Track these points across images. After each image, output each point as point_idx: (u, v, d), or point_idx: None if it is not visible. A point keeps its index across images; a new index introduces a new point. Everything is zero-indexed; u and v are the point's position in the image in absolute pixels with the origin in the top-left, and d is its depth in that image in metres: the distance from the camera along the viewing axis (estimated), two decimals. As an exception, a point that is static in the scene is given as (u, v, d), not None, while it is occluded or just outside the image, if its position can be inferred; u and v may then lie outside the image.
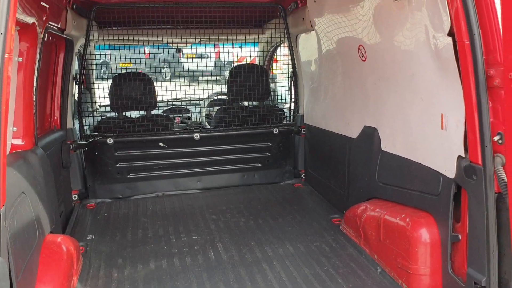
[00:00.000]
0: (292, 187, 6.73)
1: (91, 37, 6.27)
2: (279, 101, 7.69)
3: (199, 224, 5.35)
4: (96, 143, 6.16)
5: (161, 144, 6.31)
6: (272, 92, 8.01)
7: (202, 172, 6.60)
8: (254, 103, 7.04)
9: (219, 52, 9.21)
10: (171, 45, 7.53)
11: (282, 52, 7.40)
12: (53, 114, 5.81)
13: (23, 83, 3.99)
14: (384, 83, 4.50)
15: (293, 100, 6.98)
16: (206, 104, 7.92)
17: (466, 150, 3.30)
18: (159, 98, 6.71)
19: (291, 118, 7.05)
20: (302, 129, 6.76)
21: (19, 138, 4.04)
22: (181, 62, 9.37)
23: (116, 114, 6.45)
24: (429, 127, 3.81)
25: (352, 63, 5.07)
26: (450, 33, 3.19)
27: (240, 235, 5.00)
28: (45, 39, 4.99)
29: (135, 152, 6.32)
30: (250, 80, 6.59)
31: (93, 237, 5.04)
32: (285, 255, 4.48)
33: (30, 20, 3.84)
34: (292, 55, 6.68)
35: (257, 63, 8.21)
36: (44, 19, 4.19)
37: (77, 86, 6.37)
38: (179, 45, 7.54)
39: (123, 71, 6.53)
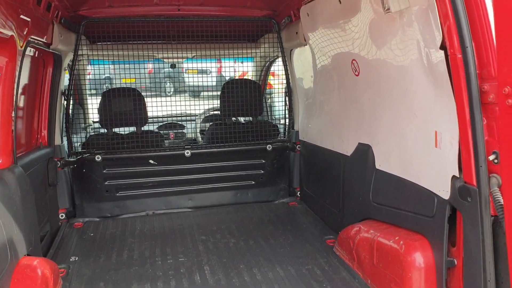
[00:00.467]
0: (287, 205, 6.52)
1: (81, 52, 6.17)
2: (274, 116, 7.52)
3: (187, 245, 5.14)
4: (84, 160, 5.99)
5: (151, 161, 6.14)
6: (266, 108, 7.87)
7: (194, 190, 6.41)
8: (248, 118, 6.87)
9: (221, 67, 9.10)
10: (165, 60, 7.39)
11: (277, 67, 7.23)
12: (40, 130, 5.67)
13: (0, 98, 3.83)
14: (378, 99, 4.33)
15: (287, 115, 6.79)
16: (201, 120, 7.77)
17: (460, 169, 3.10)
18: (155, 113, 6.56)
19: (285, 134, 6.86)
20: (297, 146, 6.58)
21: None
22: (182, 78, 9.27)
23: (105, 131, 6.30)
24: (423, 145, 3.62)
25: (346, 78, 4.91)
26: (443, 47, 3.02)
27: (229, 257, 4.79)
28: (28, 53, 4.90)
29: (124, 170, 6.14)
30: (243, 95, 6.43)
31: (76, 259, 4.85)
32: (275, 279, 4.26)
33: (8, 33, 3.71)
34: (286, 70, 6.53)
35: (253, 78, 8.08)
36: (25, 32, 4.06)
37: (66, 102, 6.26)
38: (174, 60, 7.40)
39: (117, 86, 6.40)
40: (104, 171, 6.08)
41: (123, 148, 6.10)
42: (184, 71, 9.99)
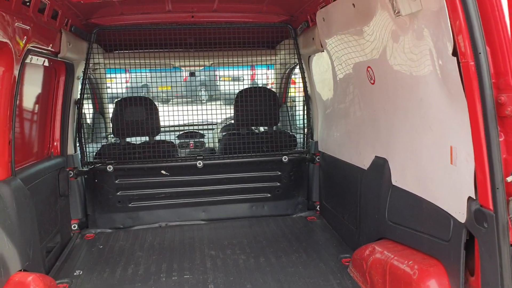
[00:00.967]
0: (305, 220, 6.21)
1: (98, 60, 6.09)
2: (293, 126, 7.23)
3: (195, 261, 4.93)
4: (96, 170, 5.88)
5: (163, 172, 5.97)
6: (288, 117, 7.59)
7: (207, 202, 6.19)
8: (263, 128, 6.61)
9: (254, 74, 8.92)
10: (182, 68, 7.24)
11: (297, 75, 6.94)
12: (52, 140, 5.60)
13: (-5, 108, 3.74)
14: (394, 109, 4.00)
15: (306, 125, 6.47)
16: (219, 129, 7.57)
17: (477, 190, 2.76)
18: (176, 122, 6.37)
19: (304, 145, 6.54)
20: (317, 157, 6.26)
21: None
22: (217, 85, 9.11)
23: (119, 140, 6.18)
24: (439, 161, 3.28)
25: (362, 87, 4.61)
26: (455, 53, 2.70)
27: (236, 275, 4.54)
28: (36, 62, 4.83)
29: (136, 180, 6.00)
30: (258, 104, 6.18)
31: (81, 273, 4.71)
32: (280, 301, 3.99)
33: (1, 40, 3.60)
34: (303, 78, 6.23)
35: (273, 86, 7.83)
36: (23, 40, 3.95)
37: (86, 110, 6.19)
38: (192, 68, 7.24)
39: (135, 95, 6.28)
40: (116, 181, 5.96)
41: (135, 158, 5.96)
42: (218, 79, 9.86)
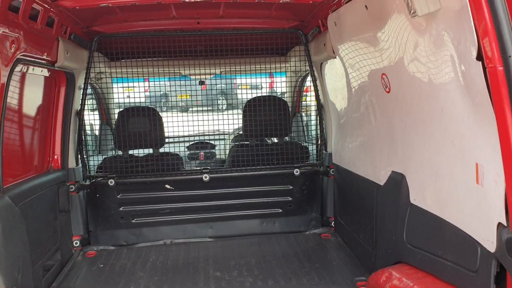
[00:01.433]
0: (318, 237, 5.82)
1: (98, 70, 5.85)
2: (305, 137, 6.87)
3: (198, 283, 4.61)
4: (97, 184, 5.61)
5: (167, 186, 5.67)
6: (303, 127, 7.23)
7: (214, 218, 5.86)
8: (273, 139, 6.27)
9: (273, 82, 8.63)
10: (192, 77, 6.95)
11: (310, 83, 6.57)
12: (51, 153, 5.36)
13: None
14: (411, 120, 3.63)
15: (319, 136, 6.09)
16: (231, 139, 7.25)
17: (508, 216, 2.37)
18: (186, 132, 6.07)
19: (317, 157, 6.15)
20: (331, 170, 5.88)
21: None
22: (235, 93, 8.83)
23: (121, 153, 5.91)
24: (462, 180, 2.90)
25: (377, 95, 4.24)
26: (480, 57, 2.33)
27: None
28: (32, 72, 4.60)
29: (139, 195, 5.71)
30: (267, 114, 5.84)
31: None
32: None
33: None
34: (315, 86, 5.87)
35: (287, 94, 7.49)
36: (11, 49, 3.70)
37: (92, 121, 5.96)
38: (201, 76, 6.94)
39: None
40: (119, 196, 5.68)
41: (137, 171, 5.67)
42: (237, 87, 9.59)
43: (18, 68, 4.01)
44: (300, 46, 5.94)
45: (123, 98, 6.93)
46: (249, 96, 6.23)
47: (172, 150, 6.20)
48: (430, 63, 3.08)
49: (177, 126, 5.91)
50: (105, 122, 7.57)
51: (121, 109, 6.19)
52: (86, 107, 5.81)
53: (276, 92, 8.53)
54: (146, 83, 7.48)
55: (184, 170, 5.93)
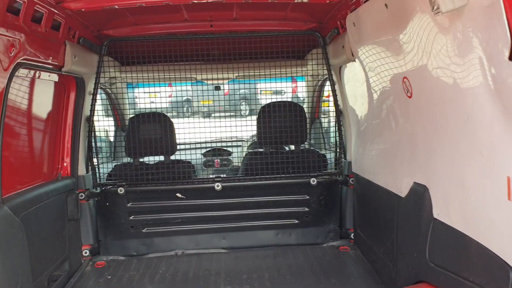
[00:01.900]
0: (337, 250, 5.52)
1: (108, 74, 5.70)
2: (323, 145, 6.57)
3: (207, 299, 4.38)
4: (107, 192, 5.44)
5: (178, 195, 5.46)
6: (322, 135, 6.94)
7: (228, 228, 5.62)
8: (290, 147, 6.00)
9: (297, 87, 8.40)
10: (206, 81, 6.76)
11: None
12: (60, 160, 5.22)
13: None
14: (434, 127, 3.33)
15: (338, 143, 5.79)
16: (247, 146, 7.02)
17: (545, 239, 2.08)
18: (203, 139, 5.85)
19: (336, 165, 5.86)
20: (350, 179, 5.58)
21: None
22: (258, 99, 8.62)
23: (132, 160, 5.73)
24: (491, 195, 2.61)
25: (398, 101, 3.96)
26: (513, 57, 2.05)
27: None
28: (42, 78, 4.47)
29: (149, 204, 5.51)
30: (283, 121, 5.58)
31: None
32: None
33: None
34: (333, 90, 5.59)
35: (306, 99, 7.22)
36: (11, 54, 3.56)
37: (102, 128, 5.81)
38: (217, 81, 6.74)
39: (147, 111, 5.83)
40: (129, 205, 5.50)
41: (147, 179, 5.48)
42: (259, 92, 9.39)
43: (21, 72, 3.87)
44: (317, 49, 5.68)
45: (138, 103, 6.77)
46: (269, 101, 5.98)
47: (184, 157, 6.00)
48: (455, 66, 2.79)
49: (193, 132, 5.71)
50: (119, 128, 7.44)
51: (131, 115, 6.03)
52: (100, 113, 5.68)
53: (297, 97, 8.28)
54: (163, 88, 7.32)
55: (196, 178, 5.72)
